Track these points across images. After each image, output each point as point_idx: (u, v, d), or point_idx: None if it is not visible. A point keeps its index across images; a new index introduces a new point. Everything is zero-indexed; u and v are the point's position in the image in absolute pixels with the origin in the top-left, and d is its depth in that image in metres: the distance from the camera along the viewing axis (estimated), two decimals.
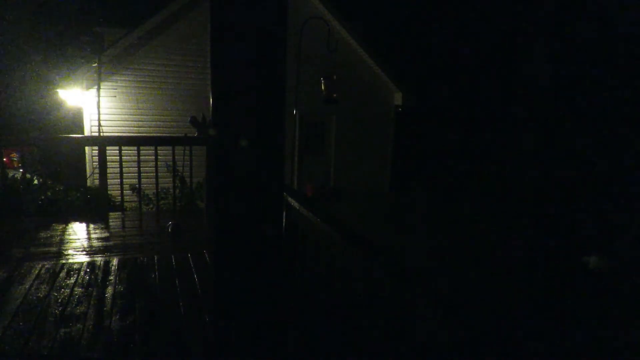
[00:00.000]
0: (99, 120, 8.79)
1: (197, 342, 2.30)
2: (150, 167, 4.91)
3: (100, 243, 3.81)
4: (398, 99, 11.84)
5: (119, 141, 5.28)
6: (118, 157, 4.64)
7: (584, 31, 12.57)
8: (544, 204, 11.40)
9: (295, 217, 2.63)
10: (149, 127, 9.39)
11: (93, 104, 8.86)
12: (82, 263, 3.27)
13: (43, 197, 4.97)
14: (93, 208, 5.00)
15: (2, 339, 2.22)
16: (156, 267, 3.27)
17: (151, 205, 5.63)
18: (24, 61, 14.04)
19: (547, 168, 12.82)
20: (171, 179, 5.20)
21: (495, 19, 15.46)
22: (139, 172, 4.85)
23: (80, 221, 4.45)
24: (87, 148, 8.95)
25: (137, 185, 4.97)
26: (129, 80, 9.32)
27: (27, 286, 2.83)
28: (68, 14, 14.71)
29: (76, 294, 2.75)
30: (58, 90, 9.01)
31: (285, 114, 1.46)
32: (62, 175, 5.34)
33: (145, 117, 9.44)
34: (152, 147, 4.89)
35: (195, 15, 9.55)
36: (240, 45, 1.35)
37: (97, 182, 5.68)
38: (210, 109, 1.39)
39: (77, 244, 3.74)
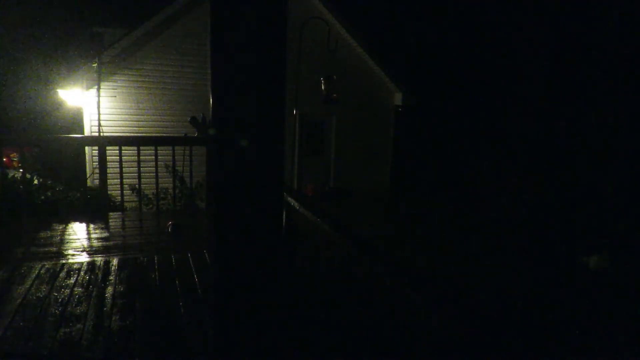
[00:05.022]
0: (99, 120, 8.79)
1: (197, 342, 2.30)
2: (150, 167, 4.91)
3: (100, 243, 3.81)
4: (398, 99, 11.84)
5: (119, 141, 5.28)
6: (118, 157, 4.64)
7: (583, 30, 12.57)
8: (545, 204, 11.39)
9: (295, 217, 2.63)
10: (149, 127, 9.39)
11: (93, 104, 8.86)
12: (82, 263, 3.27)
13: (43, 197, 4.97)
14: (93, 208, 5.00)
15: (2, 338, 2.22)
16: (156, 267, 3.27)
17: (151, 205, 5.63)
18: (24, 61, 14.04)
19: (548, 167, 12.82)
20: (171, 179, 5.20)
21: (495, 19, 15.45)
22: (139, 172, 4.84)
23: (80, 221, 4.45)
24: (87, 148, 8.95)
25: (137, 185, 4.97)
26: (129, 80, 9.32)
27: (27, 286, 2.83)
28: (68, 14, 14.71)
29: (76, 294, 2.75)
30: (58, 90, 9.01)
31: (285, 114, 1.46)
32: (62, 175, 5.33)
33: (145, 117, 9.44)
34: (152, 147, 4.89)
35: (195, 15, 9.55)
36: (240, 45, 1.35)
37: (97, 182, 5.68)
38: (210, 109, 1.39)
39: (77, 244, 3.74)
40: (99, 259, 3.37)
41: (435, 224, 9.46)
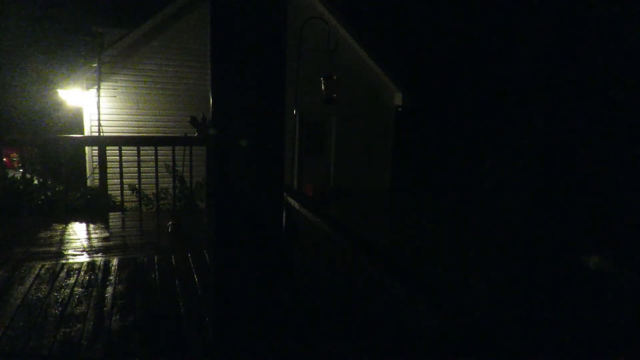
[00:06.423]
0: (99, 120, 8.80)
1: (197, 342, 2.30)
2: (150, 167, 4.91)
3: (100, 243, 3.80)
4: (398, 99, 11.84)
5: (119, 141, 5.28)
6: (118, 157, 4.64)
7: (584, 33, 12.58)
8: (545, 204, 11.39)
9: (295, 217, 2.63)
10: (149, 127, 9.39)
11: (93, 104, 8.86)
12: (82, 263, 3.27)
13: (43, 197, 4.97)
14: (93, 208, 5.00)
15: (2, 339, 2.22)
16: (156, 267, 3.26)
17: (151, 205, 5.63)
18: (24, 61, 14.05)
19: (548, 167, 12.82)
20: (171, 179, 5.20)
21: (495, 18, 15.46)
22: (139, 172, 4.84)
23: (80, 221, 4.44)
24: (87, 148, 8.95)
25: (137, 185, 4.96)
26: (129, 80, 9.32)
27: (27, 286, 2.83)
28: (68, 14, 14.71)
29: (76, 294, 2.75)
30: (58, 90, 9.01)
31: (285, 114, 1.46)
32: (62, 175, 5.33)
33: (145, 117, 9.44)
34: (152, 147, 4.89)
35: (195, 16, 9.55)
36: (241, 45, 1.35)
37: (97, 182, 5.68)
38: (210, 109, 1.39)
39: (77, 244, 3.74)
40: (99, 259, 3.37)
41: (435, 224, 9.46)
